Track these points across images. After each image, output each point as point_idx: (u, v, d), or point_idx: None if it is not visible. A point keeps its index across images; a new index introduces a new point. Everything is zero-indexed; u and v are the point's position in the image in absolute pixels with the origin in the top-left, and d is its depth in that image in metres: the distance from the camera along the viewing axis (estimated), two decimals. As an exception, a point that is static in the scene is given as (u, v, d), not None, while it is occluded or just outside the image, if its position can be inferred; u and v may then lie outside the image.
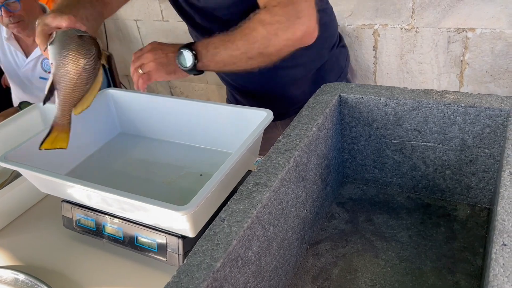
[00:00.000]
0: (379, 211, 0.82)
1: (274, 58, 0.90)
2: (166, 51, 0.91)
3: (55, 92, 0.77)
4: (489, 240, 0.58)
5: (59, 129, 0.80)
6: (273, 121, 1.22)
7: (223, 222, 0.56)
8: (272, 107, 1.17)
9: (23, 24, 1.51)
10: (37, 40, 0.82)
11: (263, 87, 1.17)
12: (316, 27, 0.88)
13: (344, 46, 1.25)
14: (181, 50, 0.89)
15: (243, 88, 1.22)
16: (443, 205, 0.81)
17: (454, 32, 1.82)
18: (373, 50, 2.03)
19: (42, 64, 1.63)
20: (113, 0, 1.06)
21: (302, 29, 0.85)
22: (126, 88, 2.84)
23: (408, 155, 0.81)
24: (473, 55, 1.83)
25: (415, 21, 1.86)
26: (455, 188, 0.80)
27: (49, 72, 1.63)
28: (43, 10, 1.61)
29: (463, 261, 0.70)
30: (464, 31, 1.80)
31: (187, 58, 0.89)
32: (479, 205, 0.80)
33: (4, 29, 1.60)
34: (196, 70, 0.91)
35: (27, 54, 1.63)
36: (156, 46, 0.93)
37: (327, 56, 1.16)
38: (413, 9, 1.84)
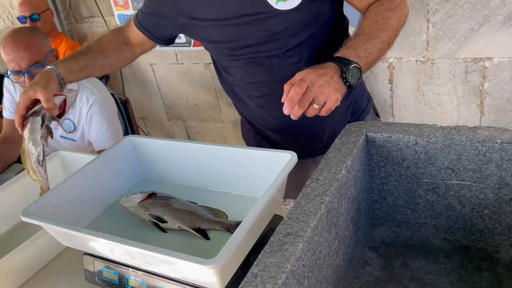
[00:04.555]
0: (415, 255, 0.78)
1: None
2: (330, 74, 0.82)
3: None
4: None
5: None
6: (309, 157, 1.19)
7: (255, 278, 0.52)
8: (308, 143, 1.15)
9: None
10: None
11: (303, 124, 1.08)
12: None
13: None
14: (350, 67, 0.82)
15: (279, 129, 1.16)
16: (484, 247, 0.77)
17: (471, 62, 1.80)
18: (389, 83, 2.02)
19: (63, 124, 1.66)
20: (112, 61, 1.13)
21: (408, 6, 0.96)
22: (143, 130, 2.86)
23: (442, 194, 0.77)
24: (492, 84, 1.81)
25: (430, 53, 1.86)
26: (495, 228, 0.76)
27: (69, 132, 1.65)
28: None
29: (513, 309, 0.65)
30: (481, 61, 1.78)
31: (355, 73, 0.83)
32: (522, 246, 0.75)
33: None
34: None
35: None
36: (318, 73, 0.81)
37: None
38: (427, 41, 1.84)
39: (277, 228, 0.60)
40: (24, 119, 0.97)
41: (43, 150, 0.96)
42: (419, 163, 0.76)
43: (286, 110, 0.79)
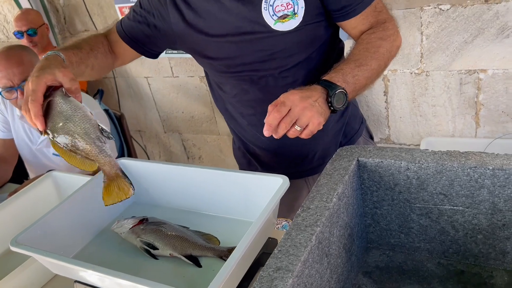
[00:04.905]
0: (409, 281, 0.77)
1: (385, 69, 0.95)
2: (315, 97, 0.80)
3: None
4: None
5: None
6: (299, 178, 1.18)
7: (244, 317, 0.51)
8: (298, 163, 1.14)
9: None
10: None
11: (293, 145, 1.07)
12: None
13: None
14: (336, 92, 0.82)
15: (270, 149, 1.15)
16: (478, 272, 0.76)
17: (465, 74, 1.80)
18: (384, 95, 2.02)
19: None
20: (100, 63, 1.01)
21: (400, 38, 0.97)
22: (139, 143, 2.85)
23: (435, 219, 0.77)
24: (487, 95, 1.81)
25: (424, 65, 1.86)
26: (489, 253, 0.75)
27: None
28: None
29: None
30: (476, 73, 1.78)
31: (341, 98, 0.83)
32: (517, 271, 0.74)
33: (17, 109, 1.60)
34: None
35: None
36: (302, 95, 0.80)
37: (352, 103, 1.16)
38: (421, 53, 1.84)
39: (266, 262, 0.59)
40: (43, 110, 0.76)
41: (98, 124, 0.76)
42: (411, 188, 0.76)
43: (265, 132, 0.80)
